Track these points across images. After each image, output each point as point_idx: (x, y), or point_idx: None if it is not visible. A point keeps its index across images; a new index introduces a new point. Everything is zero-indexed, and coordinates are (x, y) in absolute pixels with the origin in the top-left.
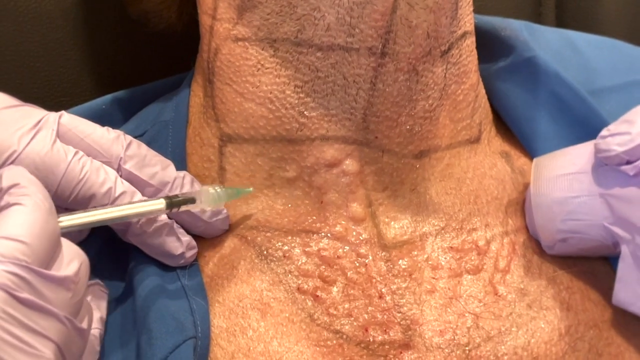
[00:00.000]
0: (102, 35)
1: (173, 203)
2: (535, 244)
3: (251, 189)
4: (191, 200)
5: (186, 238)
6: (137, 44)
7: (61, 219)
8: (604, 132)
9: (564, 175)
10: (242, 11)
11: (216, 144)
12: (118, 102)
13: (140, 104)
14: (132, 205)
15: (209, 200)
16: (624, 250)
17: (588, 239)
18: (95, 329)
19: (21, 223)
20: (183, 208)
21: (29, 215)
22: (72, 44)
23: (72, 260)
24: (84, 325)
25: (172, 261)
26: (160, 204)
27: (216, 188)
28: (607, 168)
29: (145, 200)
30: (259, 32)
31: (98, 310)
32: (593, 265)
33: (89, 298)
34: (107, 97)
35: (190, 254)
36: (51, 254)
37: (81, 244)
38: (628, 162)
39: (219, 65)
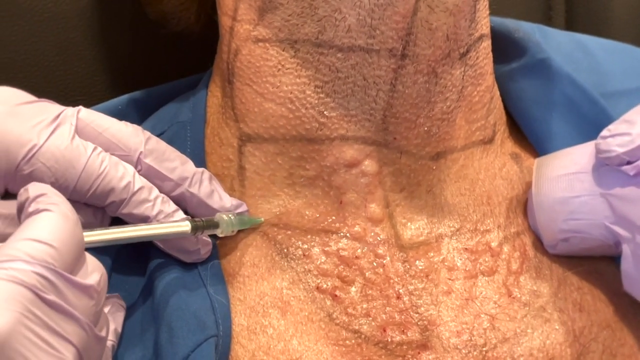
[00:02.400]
0: (118, 36)
1: (198, 226)
2: (542, 243)
3: (262, 219)
4: (214, 225)
5: (201, 234)
6: (152, 44)
7: (85, 234)
8: (604, 133)
9: (565, 175)
10: (263, 12)
11: (235, 143)
12: (134, 103)
13: (156, 104)
14: (158, 225)
15: (222, 226)
16: (625, 249)
17: (590, 238)
18: (109, 341)
19: (50, 228)
20: (206, 232)
21: (58, 222)
22: (87, 44)
23: (94, 271)
24: (103, 333)
25: (188, 257)
26: (185, 226)
27: (230, 215)
28: (608, 168)
29: (169, 222)
30: (280, 33)
31: (113, 322)
32: (599, 265)
33: (106, 310)
34: (123, 98)
35: (205, 250)
36: (76, 262)
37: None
38: (628, 163)
39: (238, 66)
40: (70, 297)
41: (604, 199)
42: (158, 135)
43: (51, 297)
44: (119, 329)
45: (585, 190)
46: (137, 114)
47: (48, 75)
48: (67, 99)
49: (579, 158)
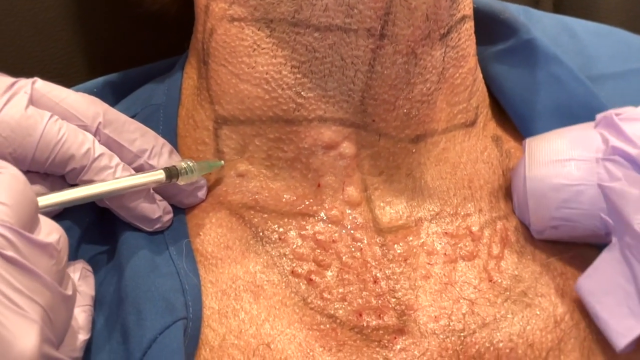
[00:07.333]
0: (95, 16)
1: (172, 174)
2: (526, 228)
3: (222, 162)
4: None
5: (163, 202)
6: (130, 26)
7: (39, 198)
8: None
9: (560, 161)
10: None
11: (211, 126)
12: (110, 86)
13: (133, 87)
14: (126, 179)
15: (182, 173)
16: (614, 241)
17: (581, 227)
18: (87, 306)
19: (2, 187)
20: (181, 180)
21: (9, 182)
22: (64, 24)
23: (52, 232)
24: (69, 292)
25: (149, 225)
26: (160, 174)
27: (188, 162)
28: (606, 159)
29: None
30: (255, 12)
31: (86, 287)
32: (584, 252)
33: (76, 276)
34: (99, 80)
35: (167, 217)
36: (31, 222)
37: (74, 214)
38: None
39: (214, 46)
40: (29, 255)
41: (600, 190)
42: (131, 117)
43: (10, 253)
44: (93, 293)
45: (582, 179)
46: (113, 97)
47: (24, 56)
48: (44, 80)
49: (575, 142)
